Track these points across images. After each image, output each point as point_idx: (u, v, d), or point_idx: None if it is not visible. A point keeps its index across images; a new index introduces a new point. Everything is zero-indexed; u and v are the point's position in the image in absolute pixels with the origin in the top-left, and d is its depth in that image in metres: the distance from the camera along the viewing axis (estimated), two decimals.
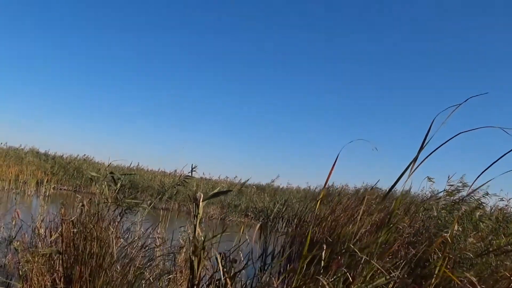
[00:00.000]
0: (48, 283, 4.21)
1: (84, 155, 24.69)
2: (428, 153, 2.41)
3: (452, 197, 6.73)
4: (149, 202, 5.17)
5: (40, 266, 4.21)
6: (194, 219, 2.24)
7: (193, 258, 2.78)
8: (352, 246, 2.62)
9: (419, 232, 6.38)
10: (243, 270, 3.41)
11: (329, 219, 6.77)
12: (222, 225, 14.77)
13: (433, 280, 2.74)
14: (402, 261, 3.86)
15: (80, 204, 3.96)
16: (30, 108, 38.15)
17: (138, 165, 24.67)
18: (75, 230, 3.78)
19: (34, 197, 16.94)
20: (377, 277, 2.79)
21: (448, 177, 6.75)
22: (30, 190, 17.85)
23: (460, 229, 5.83)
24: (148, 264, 4.62)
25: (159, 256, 5.22)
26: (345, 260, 2.68)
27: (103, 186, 4.10)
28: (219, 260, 2.79)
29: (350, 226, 5.67)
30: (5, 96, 35.18)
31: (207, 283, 3.23)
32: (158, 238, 5.51)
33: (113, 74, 38.93)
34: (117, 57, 38.16)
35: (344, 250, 2.98)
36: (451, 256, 4.63)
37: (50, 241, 4.43)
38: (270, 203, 18.39)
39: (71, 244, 3.91)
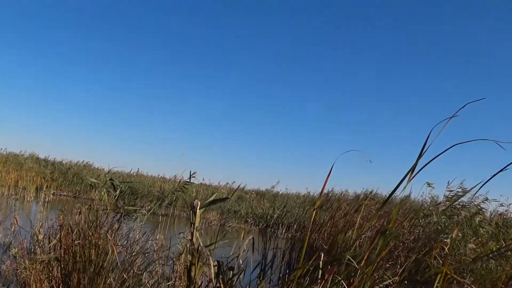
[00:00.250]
0: None
1: (84, 161, 24.72)
2: (426, 159, 2.41)
3: (451, 203, 6.72)
4: (148, 208, 5.16)
5: (39, 273, 4.20)
6: (191, 226, 2.23)
7: (190, 266, 2.77)
8: (349, 257, 2.60)
9: (418, 238, 6.36)
10: (244, 278, 3.39)
11: (328, 224, 6.76)
12: (222, 231, 14.74)
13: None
14: (401, 267, 3.85)
15: (79, 211, 3.96)
16: (29, 114, 38.12)
17: (138, 171, 24.69)
18: (73, 236, 3.77)
19: (34, 203, 16.92)
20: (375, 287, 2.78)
21: (448, 183, 6.75)
22: (29, 196, 17.83)
23: (460, 234, 5.82)
24: (147, 270, 4.61)
25: (156, 260, 5.21)
26: (342, 268, 2.66)
27: (103, 193, 4.10)
28: (212, 268, 2.77)
29: (350, 232, 5.67)
30: (4, 102, 35.20)
31: None
32: (156, 244, 5.50)
33: (113, 79, 38.97)
34: (116, 62, 38.23)
35: (339, 258, 2.97)
36: (451, 262, 4.62)
37: (49, 247, 4.42)
38: (269, 209, 18.37)
39: (70, 251, 3.90)
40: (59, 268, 4.16)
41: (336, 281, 2.57)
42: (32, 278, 4.21)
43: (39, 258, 4.13)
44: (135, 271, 4.21)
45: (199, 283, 2.94)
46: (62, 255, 3.99)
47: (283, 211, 16.93)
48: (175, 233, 6.31)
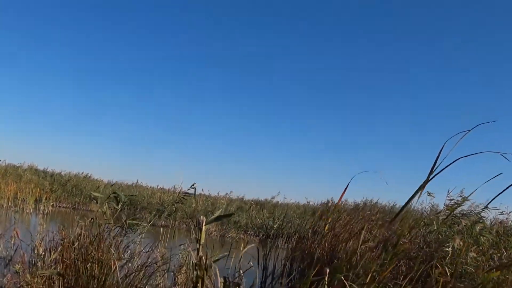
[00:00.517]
0: None
1: (83, 173, 24.67)
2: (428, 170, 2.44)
3: (452, 211, 6.72)
4: (148, 219, 5.16)
5: (40, 287, 4.18)
6: (196, 243, 2.23)
7: (197, 282, 2.76)
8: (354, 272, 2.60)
9: (419, 247, 6.35)
10: None
11: (329, 235, 6.75)
12: (222, 242, 14.70)
13: None
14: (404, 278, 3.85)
15: (81, 225, 3.95)
16: (27, 125, 38.11)
17: (137, 181, 24.65)
18: (76, 251, 3.76)
19: (33, 215, 16.87)
20: None
21: (448, 192, 6.75)
22: (28, 207, 17.79)
23: (461, 243, 5.81)
24: (149, 283, 4.59)
25: (158, 273, 5.19)
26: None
27: (105, 207, 4.10)
28: (220, 284, 2.76)
29: (351, 242, 5.67)
30: (3, 113, 35.21)
31: None
32: (158, 256, 5.48)
33: (112, 91, 39.04)
34: (115, 73, 38.30)
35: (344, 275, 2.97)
36: (452, 272, 4.62)
37: (50, 261, 4.40)
38: (269, 219, 18.33)
39: (72, 266, 3.89)
40: (61, 282, 4.14)
41: None
42: None
43: (40, 273, 4.11)
44: (136, 284, 4.19)
45: None
46: (64, 270, 3.98)
47: (283, 221, 16.89)
48: (175, 245, 6.29)
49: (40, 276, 4.13)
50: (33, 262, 5.32)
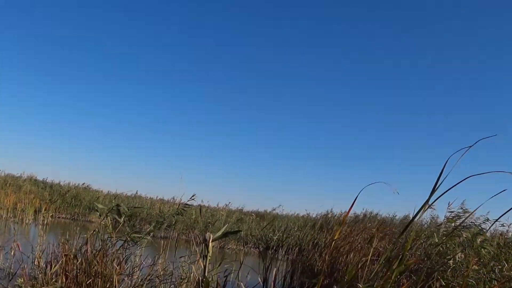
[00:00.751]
0: None
1: (84, 183, 24.62)
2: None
3: (453, 224, 6.71)
4: (148, 230, 5.15)
5: None
6: (203, 259, 2.23)
7: None
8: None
9: (421, 259, 6.34)
10: None
11: (329, 247, 6.74)
12: (222, 253, 14.63)
13: None
14: None
15: (83, 238, 3.94)
16: (27, 136, 38.13)
17: (136, 192, 24.60)
18: (78, 265, 3.74)
19: (32, 226, 16.81)
20: None
21: (448, 204, 6.75)
22: (28, 218, 17.73)
23: (462, 256, 5.80)
24: None
25: (159, 285, 5.16)
26: None
27: (107, 221, 4.09)
28: None
29: (351, 255, 5.67)
30: (2, 123, 35.25)
31: None
32: (159, 269, 5.46)
33: (112, 101, 39.12)
34: (111, 82, 38.43)
35: None
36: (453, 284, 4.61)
37: (51, 274, 4.38)
38: (269, 231, 18.27)
39: (74, 280, 3.87)
40: None
41: None
42: None
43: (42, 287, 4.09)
44: None
45: None
46: (66, 284, 3.96)
47: (283, 233, 16.83)
48: (175, 257, 6.26)
49: None
50: (33, 275, 5.30)
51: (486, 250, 6.05)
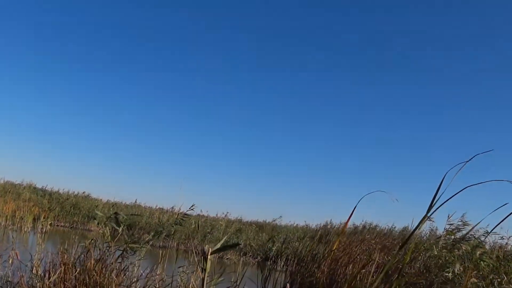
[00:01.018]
0: None
1: (84, 192, 24.60)
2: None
3: (452, 236, 6.71)
4: (146, 240, 5.14)
5: None
6: (202, 272, 2.23)
7: None
8: None
9: (420, 271, 6.33)
10: None
11: (328, 258, 6.72)
12: (220, 264, 14.58)
13: None
14: None
15: (82, 247, 3.93)
16: (26, 143, 38.15)
17: (135, 201, 24.57)
18: (77, 275, 3.74)
19: (31, 234, 16.77)
20: None
21: (448, 216, 6.75)
22: (26, 226, 17.70)
23: (461, 268, 5.79)
24: None
25: None
26: None
27: (106, 229, 4.09)
28: None
29: (350, 267, 5.65)
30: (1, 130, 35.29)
31: None
32: (158, 280, 5.44)
33: (112, 111, 39.19)
34: (108, 94, 38.54)
35: None
36: None
37: (49, 282, 4.38)
38: (268, 242, 18.22)
39: None
40: None
41: None
42: None
43: None
44: None
45: None
46: None
47: (283, 244, 16.78)
48: (174, 267, 6.24)
49: None
50: (31, 283, 5.28)
51: (485, 262, 6.04)
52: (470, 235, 6.68)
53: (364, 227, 17.50)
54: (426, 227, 8.43)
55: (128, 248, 4.12)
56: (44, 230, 16.27)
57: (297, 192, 35.86)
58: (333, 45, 35.83)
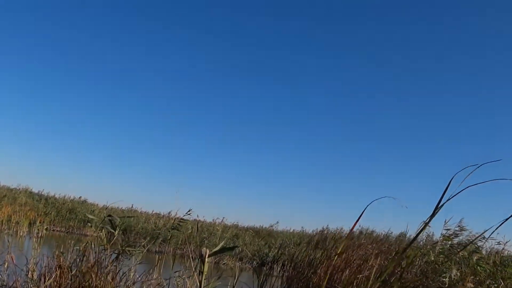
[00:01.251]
0: None
1: (81, 197, 24.53)
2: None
3: (449, 242, 6.70)
4: (143, 245, 5.12)
5: None
6: (199, 275, 2.22)
7: None
8: None
9: (416, 276, 6.32)
10: None
11: (324, 264, 6.71)
12: (217, 269, 14.54)
13: None
14: None
15: (78, 250, 3.91)
16: (23, 148, 38.07)
17: (132, 206, 24.49)
18: (72, 278, 3.72)
19: (27, 238, 16.70)
20: None
21: (445, 221, 6.74)
22: (22, 231, 17.63)
23: (458, 273, 5.79)
24: None
25: None
26: None
27: (101, 232, 4.07)
28: None
29: (347, 272, 5.64)
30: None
31: None
32: (154, 284, 5.41)
33: (110, 116, 39.18)
34: (106, 96, 38.52)
35: None
36: None
37: (45, 286, 4.35)
38: (264, 247, 18.19)
39: None
40: None
41: None
42: None
43: None
44: None
45: None
46: None
47: (279, 249, 16.75)
48: (170, 272, 6.21)
49: None
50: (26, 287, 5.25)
51: (482, 268, 6.04)
52: (466, 240, 6.67)
53: (361, 232, 17.45)
54: (423, 232, 8.42)
55: (123, 252, 4.10)
56: (40, 234, 16.18)
57: (294, 197, 35.89)
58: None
